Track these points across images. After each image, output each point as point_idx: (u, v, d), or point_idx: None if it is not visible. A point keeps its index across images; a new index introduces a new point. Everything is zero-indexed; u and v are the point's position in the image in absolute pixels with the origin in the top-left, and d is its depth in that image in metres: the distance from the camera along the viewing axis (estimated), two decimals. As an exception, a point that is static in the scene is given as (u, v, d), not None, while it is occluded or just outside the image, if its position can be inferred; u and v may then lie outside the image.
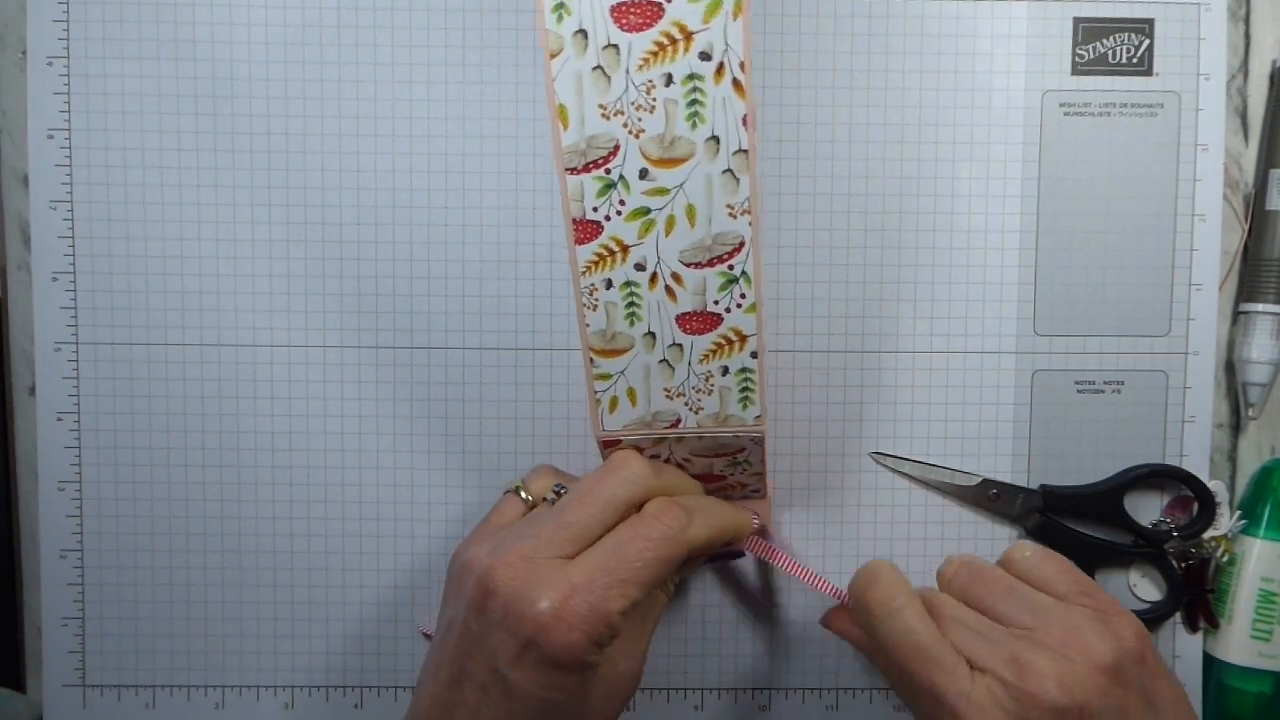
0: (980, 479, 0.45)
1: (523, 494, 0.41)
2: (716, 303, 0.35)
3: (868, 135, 0.44)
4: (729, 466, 0.40)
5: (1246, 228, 0.45)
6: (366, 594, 0.45)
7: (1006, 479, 0.45)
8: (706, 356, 0.36)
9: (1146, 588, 0.46)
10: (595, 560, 0.35)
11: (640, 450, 0.38)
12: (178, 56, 0.44)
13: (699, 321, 0.35)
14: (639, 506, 0.37)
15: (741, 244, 0.34)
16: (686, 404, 0.37)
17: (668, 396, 0.36)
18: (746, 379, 0.36)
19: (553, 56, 0.32)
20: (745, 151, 0.33)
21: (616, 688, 0.37)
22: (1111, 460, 0.45)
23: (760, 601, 0.45)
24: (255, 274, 0.44)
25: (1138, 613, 0.45)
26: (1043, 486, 0.45)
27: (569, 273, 0.44)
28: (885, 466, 0.45)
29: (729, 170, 0.33)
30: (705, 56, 0.31)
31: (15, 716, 0.45)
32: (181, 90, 0.44)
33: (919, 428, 0.45)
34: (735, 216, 0.33)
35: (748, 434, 0.37)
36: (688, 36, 0.31)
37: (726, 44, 0.31)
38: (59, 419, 0.44)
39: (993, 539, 0.45)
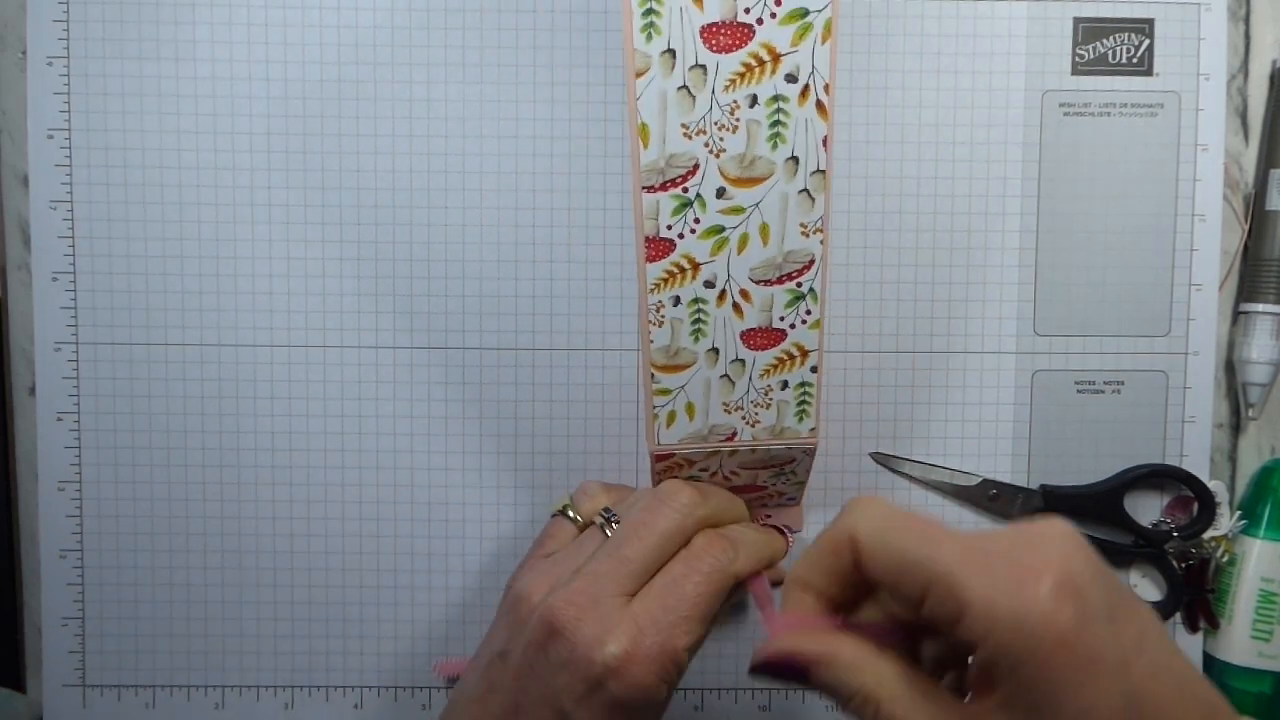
0: (980, 479, 0.45)
1: (571, 513, 0.41)
2: (782, 319, 0.35)
3: (867, 135, 0.44)
4: (773, 478, 0.40)
5: (1246, 228, 0.45)
6: (366, 594, 0.45)
7: (1006, 479, 0.45)
8: (768, 371, 0.36)
9: (1146, 588, 0.46)
10: (656, 600, 0.35)
11: (691, 463, 0.38)
12: (178, 56, 0.44)
13: (763, 338, 0.36)
14: (689, 538, 0.37)
15: (812, 261, 0.34)
16: (744, 417, 0.37)
17: (726, 411, 0.37)
18: (805, 393, 0.36)
19: (638, 75, 0.31)
20: (823, 172, 0.33)
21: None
22: (1111, 460, 0.45)
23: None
24: (255, 274, 0.44)
25: (1138, 613, 0.45)
26: (1043, 487, 0.45)
27: (568, 273, 0.44)
28: (885, 466, 0.45)
29: (805, 190, 0.33)
30: (791, 79, 0.32)
31: (15, 716, 0.45)
32: (181, 90, 0.44)
33: (919, 428, 0.45)
34: (808, 235, 0.34)
35: (801, 446, 0.38)
36: (776, 58, 0.31)
37: (814, 66, 0.31)
38: (59, 419, 0.44)
39: (993, 539, 0.45)
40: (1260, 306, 0.45)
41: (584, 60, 0.44)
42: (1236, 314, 0.46)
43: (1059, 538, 0.28)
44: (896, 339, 0.45)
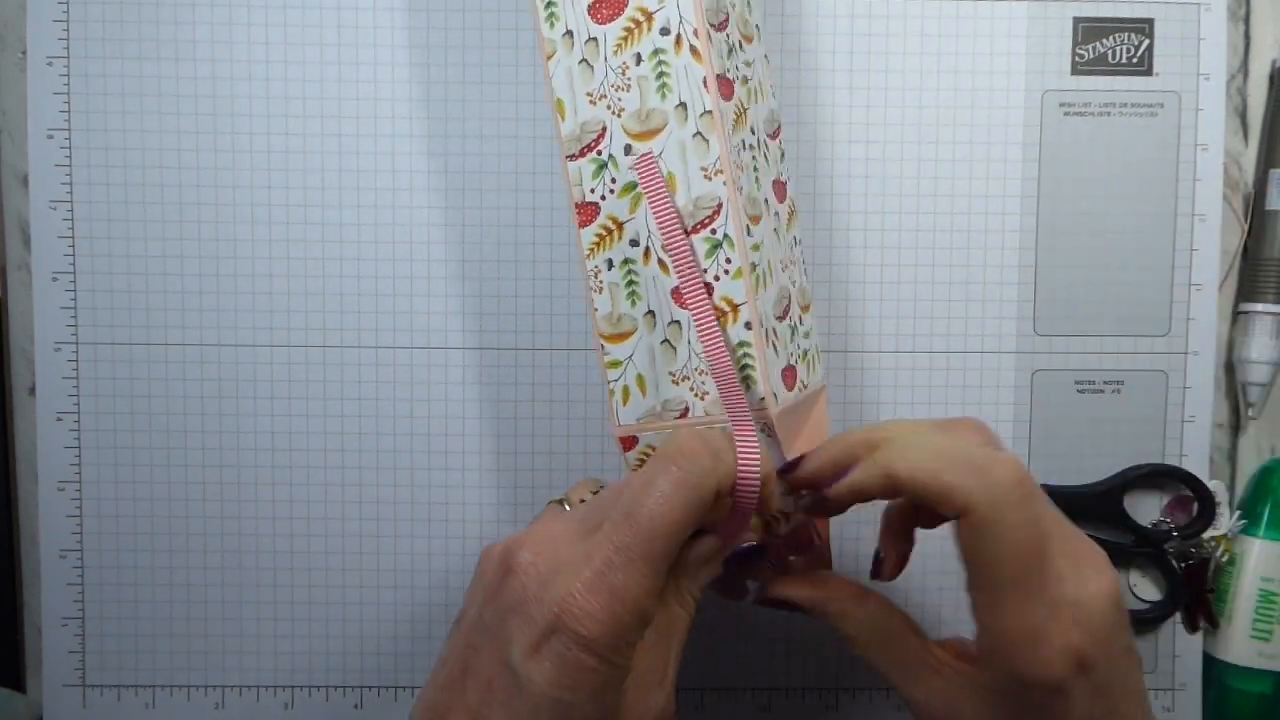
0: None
1: (566, 505, 0.38)
2: (705, 270, 0.36)
3: (867, 135, 0.44)
4: None
5: (1246, 228, 0.45)
6: (366, 594, 0.45)
7: (1006, 479, 0.45)
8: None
9: (1146, 588, 0.46)
10: (607, 536, 0.30)
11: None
12: (178, 56, 0.44)
13: None
14: None
15: (719, 205, 0.35)
16: (691, 388, 0.37)
17: (674, 381, 0.37)
18: (745, 355, 0.36)
19: (549, 58, 0.36)
20: (709, 112, 0.35)
21: (648, 717, 0.32)
22: (1111, 460, 0.45)
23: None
24: (255, 274, 0.44)
25: (1138, 612, 0.45)
26: (1043, 486, 0.45)
27: (568, 272, 0.44)
28: (885, 466, 0.45)
29: (698, 133, 0.35)
30: (665, 31, 0.35)
31: (15, 716, 0.45)
32: (181, 90, 0.44)
33: (919, 428, 0.45)
34: (710, 178, 0.35)
35: (755, 419, 0.36)
36: (649, 17, 0.35)
37: (680, 16, 0.34)
38: (59, 419, 0.44)
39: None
40: (1260, 306, 0.45)
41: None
42: (1236, 314, 0.46)
43: (1102, 598, 0.33)
44: (896, 339, 0.45)
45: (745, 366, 0.36)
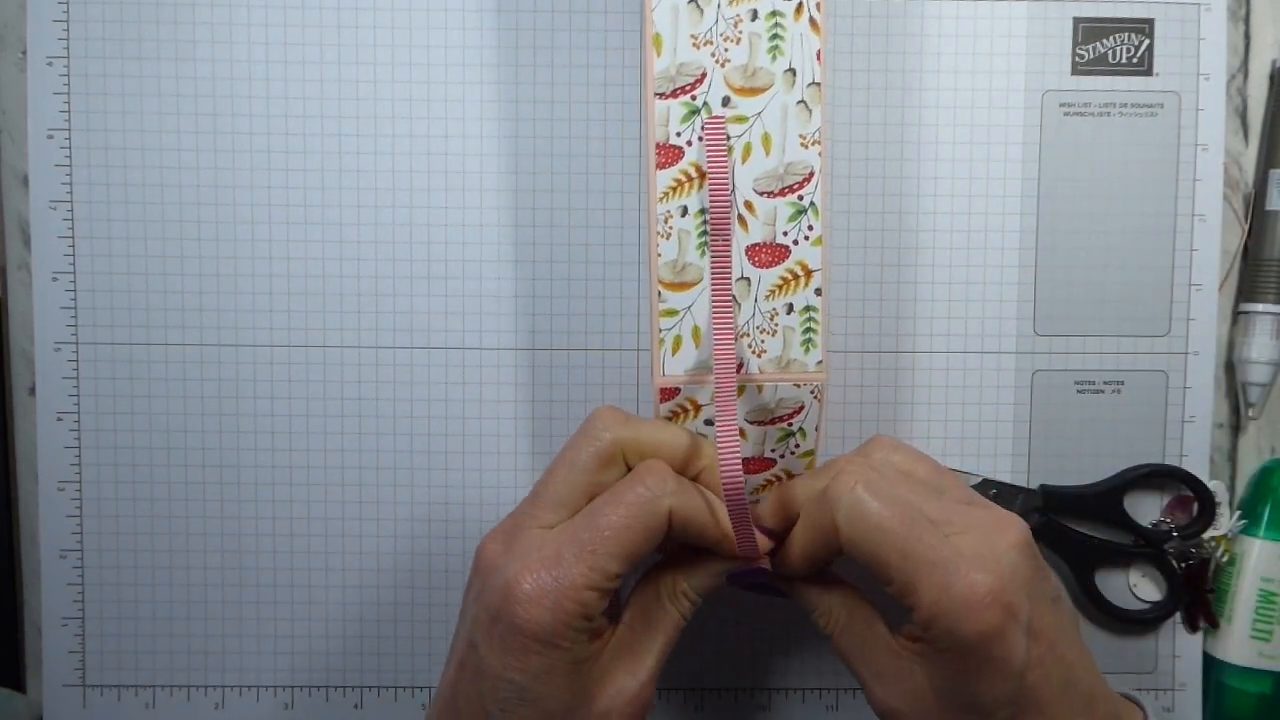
0: (980, 479, 0.45)
1: None
2: (785, 234, 0.36)
3: (867, 135, 0.44)
4: (781, 441, 0.39)
5: (1246, 228, 0.46)
6: (366, 594, 0.45)
7: (1006, 479, 0.45)
8: (773, 292, 0.37)
9: (1146, 588, 0.46)
10: (567, 530, 0.34)
11: (698, 406, 0.37)
12: (178, 56, 0.44)
13: (768, 253, 0.37)
14: (615, 462, 0.35)
15: (811, 174, 0.36)
16: (750, 346, 0.37)
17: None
18: (810, 319, 0.37)
19: None
20: (818, 84, 0.36)
21: (616, 703, 0.34)
22: (1111, 460, 0.45)
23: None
24: (255, 274, 0.44)
25: (1138, 612, 0.45)
26: (1042, 486, 0.45)
27: (568, 273, 0.44)
28: (885, 466, 0.45)
29: (803, 101, 0.36)
30: None
31: (15, 716, 0.45)
32: (181, 90, 0.44)
33: (919, 428, 0.45)
34: (807, 147, 0.36)
35: (809, 382, 0.37)
36: None
37: None
38: (59, 419, 0.44)
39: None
40: (1260, 306, 0.45)
41: (584, 60, 0.44)
42: (1236, 314, 0.46)
43: (1011, 550, 0.34)
44: (896, 339, 0.45)
45: (809, 329, 0.37)
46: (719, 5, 0.35)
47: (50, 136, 0.44)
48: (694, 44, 0.35)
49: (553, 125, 0.44)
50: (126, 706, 0.45)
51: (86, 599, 0.45)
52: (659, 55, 0.35)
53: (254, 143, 0.44)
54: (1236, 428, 0.46)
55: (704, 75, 0.35)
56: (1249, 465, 0.46)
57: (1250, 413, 0.45)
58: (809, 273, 0.37)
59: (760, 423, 0.38)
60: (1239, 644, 0.45)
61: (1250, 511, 0.45)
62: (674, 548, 0.38)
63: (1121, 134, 0.44)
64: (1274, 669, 0.44)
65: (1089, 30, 0.44)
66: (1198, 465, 0.45)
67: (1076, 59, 0.44)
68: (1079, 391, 0.45)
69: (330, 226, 0.44)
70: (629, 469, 0.36)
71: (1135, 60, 0.44)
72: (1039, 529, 0.44)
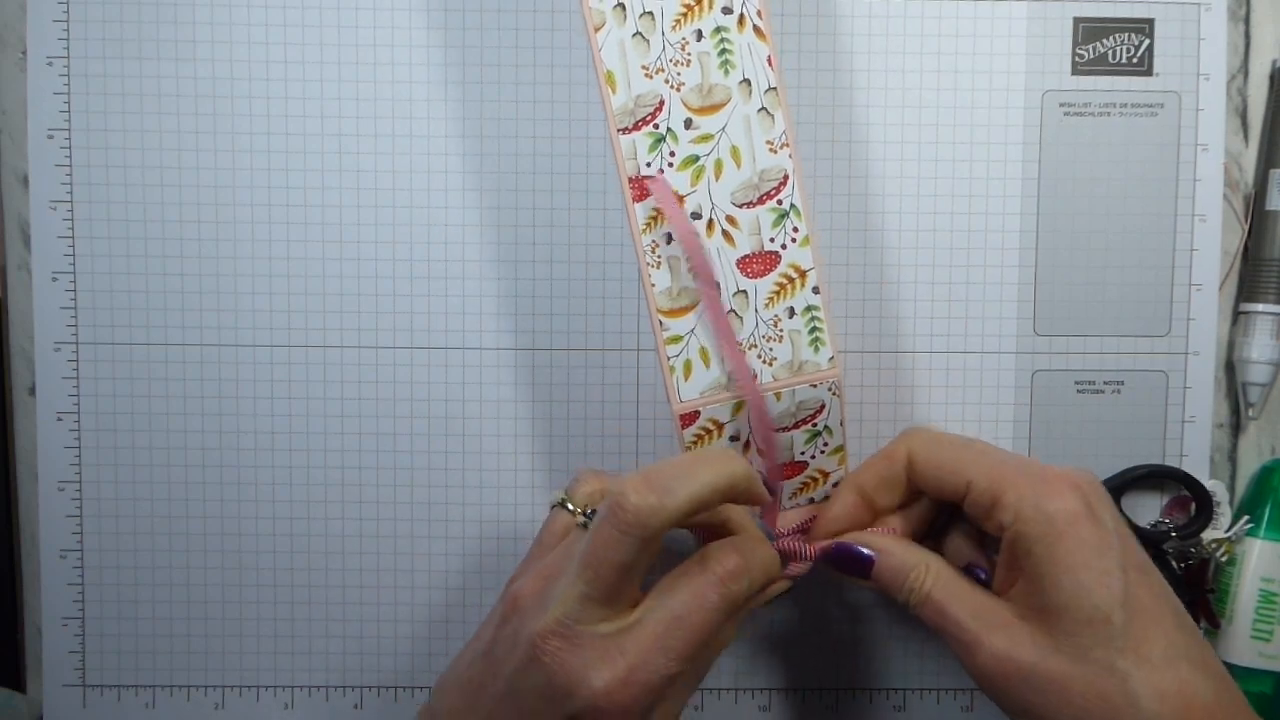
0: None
1: (569, 505, 0.39)
2: (772, 240, 0.37)
3: (867, 135, 0.44)
4: (810, 442, 0.39)
5: (1246, 228, 0.45)
6: (366, 594, 0.45)
7: (1006, 479, 0.45)
8: (771, 299, 0.37)
9: (1146, 588, 0.46)
10: (651, 635, 0.32)
11: (720, 426, 0.38)
12: (178, 56, 0.44)
13: (759, 263, 0.37)
14: (660, 533, 0.33)
15: (786, 178, 0.37)
16: (759, 355, 0.37)
17: (740, 351, 0.37)
18: (814, 319, 0.37)
19: (596, 30, 0.36)
20: (774, 89, 0.36)
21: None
22: (1111, 461, 0.45)
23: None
24: (255, 274, 0.44)
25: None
26: (1043, 486, 0.45)
27: (568, 272, 0.44)
28: (885, 466, 0.45)
29: (763, 108, 0.36)
30: (727, 10, 0.36)
31: (15, 716, 0.45)
32: (181, 90, 0.44)
33: (919, 428, 0.45)
34: (775, 151, 0.36)
35: (824, 380, 0.38)
36: None
37: None
38: (59, 419, 0.45)
39: (993, 539, 0.45)
40: (1260, 306, 0.45)
41: (584, 60, 0.44)
42: (1236, 314, 0.46)
43: (1080, 472, 0.35)
44: (896, 339, 0.45)
45: (814, 329, 0.37)
46: (663, 33, 0.36)
47: (50, 136, 0.44)
48: (646, 74, 0.36)
49: (553, 125, 0.44)
50: (126, 706, 0.45)
51: (86, 599, 0.45)
52: (614, 92, 0.36)
53: (254, 143, 0.44)
54: (1237, 428, 0.46)
55: (662, 103, 0.36)
56: (1249, 465, 0.46)
57: (1250, 413, 0.45)
58: (803, 274, 0.37)
59: (785, 429, 0.38)
60: (1239, 644, 0.45)
61: (1250, 512, 0.45)
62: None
63: (1121, 134, 0.44)
64: (1274, 669, 0.44)
65: (1089, 30, 0.44)
66: (1198, 465, 0.45)
67: (1076, 59, 0.44)
68: (1079, 392, 0.45)
69: (330, 226, 0.44)
70: None
71: (1135, 60, 0.44)
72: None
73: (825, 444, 0.39)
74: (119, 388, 0.44)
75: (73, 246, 0.44)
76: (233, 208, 0.44)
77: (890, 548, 0.38)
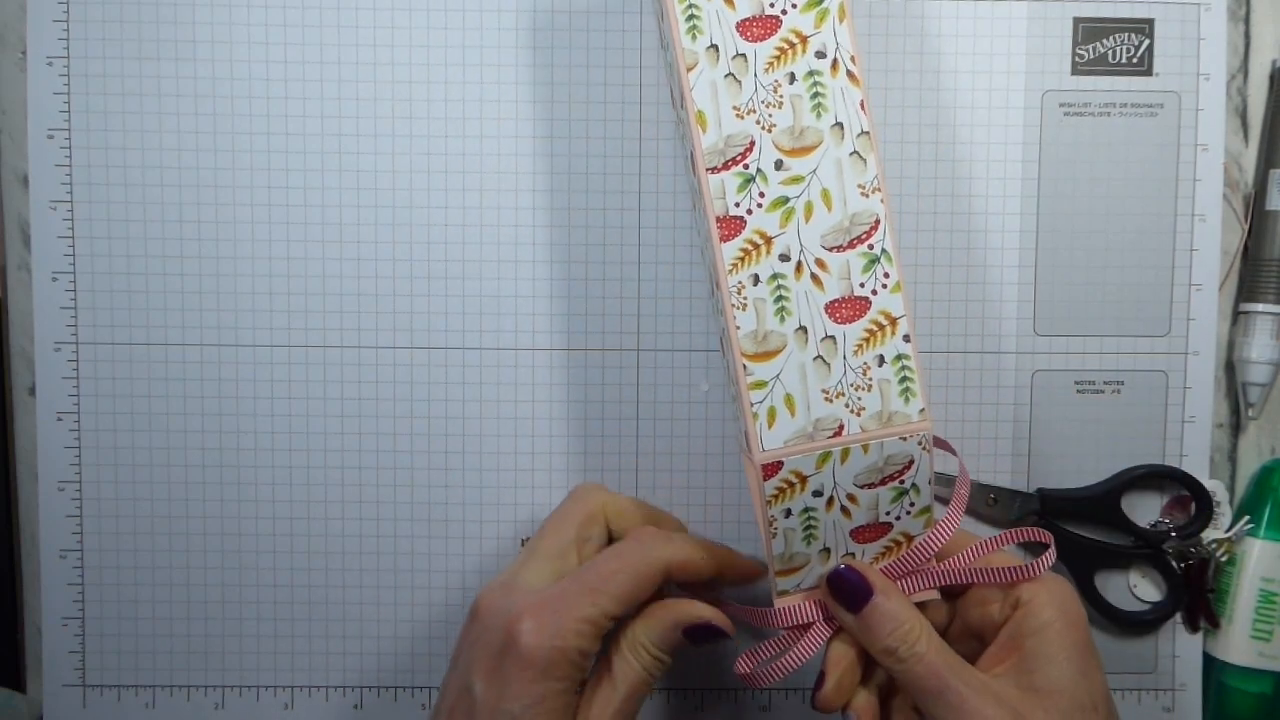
0: (978, 485, 0.45)
1: None
2: (863, 285, 0.36)
3: (868, 135, 0.44)
4: (895, 501, 0.37)
5: (1246, 228, 0.45)
6: (366, 594, 0.45)
7: (1006, 479, 0.45)
8: (860, 346, 0.36)
9: (1146, 588, 0.46)
10: (571, 579, 0.37)
11: (804, 479, 0.36)
12: (178, 56, 0.44)
13: (848, 308, 0.36)
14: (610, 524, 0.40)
15: (877, 222, 0.36)
16: (847, 404, 0.36)
17: (826, 399, 0.36)
18: (904, 368, 0.36)
19: (689, 70, 0.36)
20: (867, 133, 0.36)
21: None
22: (1111, 461, 0.45)
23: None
24: (255, 274, 0.44)
25: (1138, 613, 0.45)
26: (1040, 491, 0.45)
27: (568, 273, 0.44)
28: (885, 466, 0.45)
29: (855, 152, 0.36)
30: (820, 55, 0.36)
31: (15, 716, 0.45)
32: (181, 90, 0.44)
33: (919, 428, 0.45)
34: (867, 195, 0.36)
35: (914, 433, 0.36)
36: (803, 40, 0.36)
37: (837, 43, 0.36)
38: (59, 419, 0.45)
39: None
40: (1260, 306, 0.45)
41: (584, 60, 0.44)
42: (1236, 314, 0.46)
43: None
44: (896, 339, 0.45)
45: (905, 379, 0.36)
46: (755, 75, 0.36)
47: (50, 136, 0.44)
48: (737, 115, 0.36)
49: (552, 125, 0.44)
50: (126, 706, 0.45)
51: (86, 599, 0.45)
52: (705, 131, 0.36)
53: (254, 143, 0.44)
54: (1236, 428, 0.46)
55: (752, 143, 0.36)
56: (1249, 465, 0.46)
57: (1250, 413, 0.45)
58: (893, 321, 0.36)
59: (870, 485, 0.37)
60: (1239, 644, 0.45)
61: (1250, 512, 0.45)
62: (653, 597, 0.38)
63: (1121, 134, 0.44)
64: (1274, 669, 0.44)
65: (1089, 30, 0.44)
66: (1198, 465, 0.45)
67: (1076, 59, 0.44)
68: (1079, 392, 0.45)
69: (330, 226, 0.44)
70: (609, 531, 0.40)
71: (1135, 60, 0.44)
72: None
73: (911, 504, 0.37)
74: (119, 388, 0.44)
75: (73, 246, 0.44)
76: (233, 208, 0.44)
77: (890, 591, 0.37)
